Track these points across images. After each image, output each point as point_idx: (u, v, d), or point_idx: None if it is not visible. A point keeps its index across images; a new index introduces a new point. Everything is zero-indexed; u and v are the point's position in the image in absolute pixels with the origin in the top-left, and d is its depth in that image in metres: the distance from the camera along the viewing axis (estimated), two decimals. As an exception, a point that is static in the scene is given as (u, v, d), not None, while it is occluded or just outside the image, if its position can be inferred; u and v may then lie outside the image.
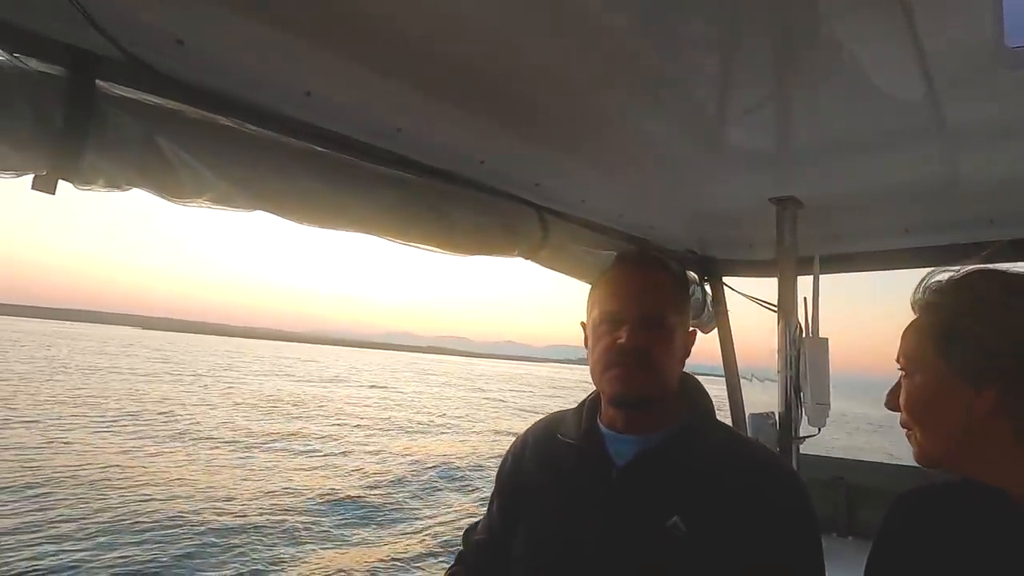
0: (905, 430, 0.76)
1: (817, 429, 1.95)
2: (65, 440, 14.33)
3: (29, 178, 0.72)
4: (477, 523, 1.19)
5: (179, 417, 19.54)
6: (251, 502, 10.56)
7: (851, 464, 2.17)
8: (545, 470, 1.02)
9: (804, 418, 1.96)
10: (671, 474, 0.90)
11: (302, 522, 9.77)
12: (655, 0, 0.90)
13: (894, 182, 1.73)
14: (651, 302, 0.93)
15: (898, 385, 0.77)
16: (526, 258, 1.45)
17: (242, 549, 8.39)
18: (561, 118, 1.36)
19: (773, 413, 2.01)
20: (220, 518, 9.54)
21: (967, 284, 0.73)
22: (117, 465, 12.41)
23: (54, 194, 0.74)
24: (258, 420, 20.52)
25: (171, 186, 0.80)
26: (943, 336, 0.71)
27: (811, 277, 2.01)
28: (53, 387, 23.71)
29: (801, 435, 1.98)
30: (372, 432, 20.08)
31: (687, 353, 0.99)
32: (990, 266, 0.74)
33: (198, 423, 18.76)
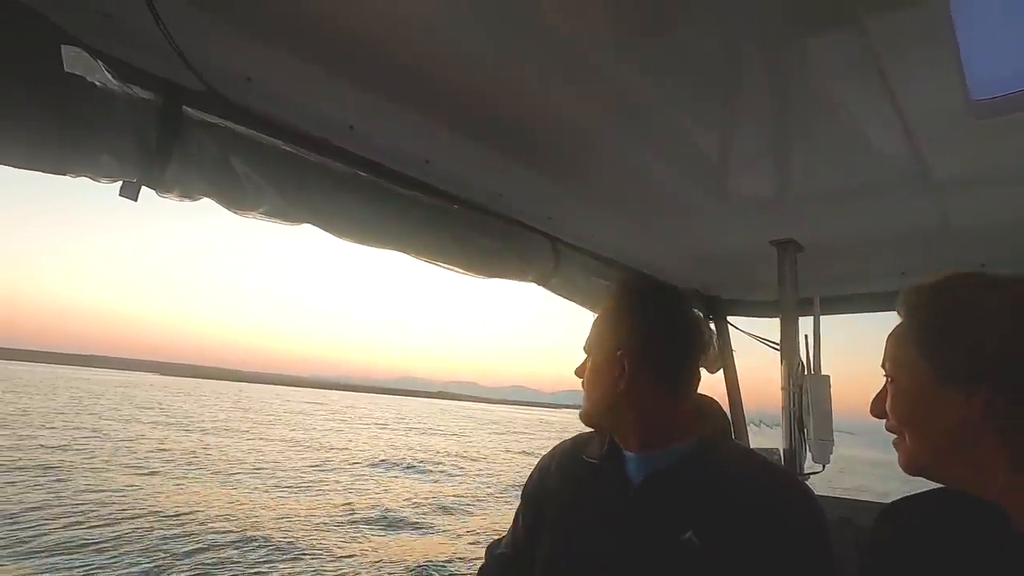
0: (893, 436, 0.75)
1: (821, 466, 1.96)
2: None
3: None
4: (501, 539, 1.20)
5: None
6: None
7: (859, 504, 2.15)
8: (567, 487, 1.05)
9: (808, 455, 1.99)
10: (686, 490, 0.91)
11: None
12: (664, 56, 1.01)
13: (887, 227, 1.82)
14: (588, 336, 1.05)
15: (883, 391, 0.76)
16: (538, 284, 1.55)
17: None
18: (574, 159, 1.48)
19: (778, 450, 2.04)
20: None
21: (947, 287, 0.71)
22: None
23: (136, 200, 0.86)
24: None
25: (236, 198, 0.93)
26: (927, 339, 0.70)
27: (812, 317, 2.08)
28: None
29: (805, 471, 2.00)
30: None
31: (617, 370, 0.97)
32: (964, 271, 0.72)
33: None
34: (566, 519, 1.02)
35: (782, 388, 2.07)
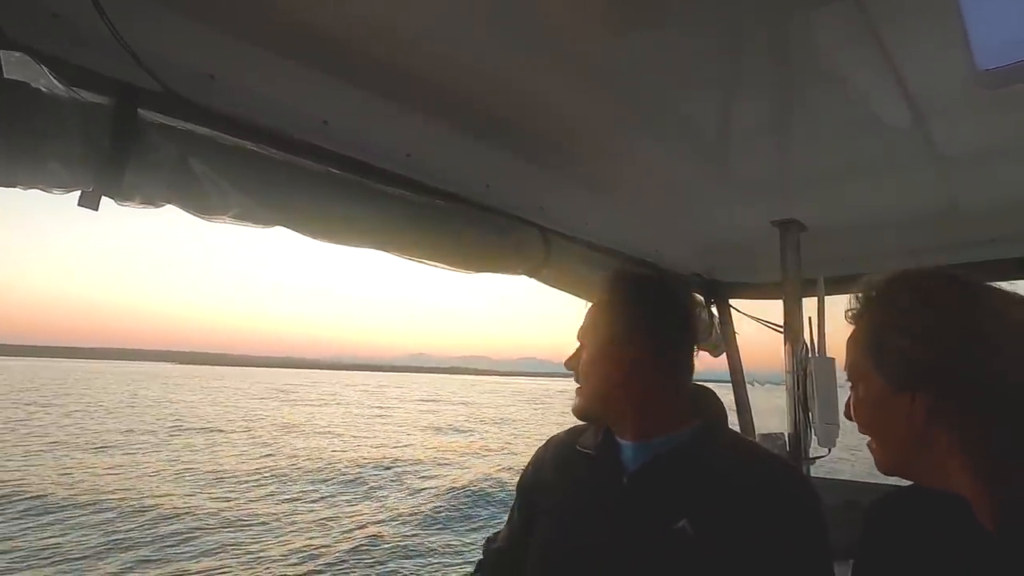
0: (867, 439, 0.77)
1: (827, 450, 1.93)
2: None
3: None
4: (498, 532, 1.21)
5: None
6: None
7: (865, 487, 2.13)
8: (562, 477, 1.06)
9: (814, 439, 1.96)
10: (680, 478, 0.92)
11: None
12: (657, 33, 0.96)
13: (893, 205, 1.76)
14: (583, 326, 1.03)
15: (850, 397, 0.79)
16: (529, 276, 1.51)
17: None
18: (564, 145, 1.43)
19: (783, 434, 2.01)
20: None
21: (884, 295, 0.75)
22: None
23: (97, 210, 0.83)
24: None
25: (200, 203, 0.89)
26: (871, 346, 0.73)
27: (816, 298, 2.04)
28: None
29: (811, 456, 1.97)
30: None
31: (619, 362, 0.97)
32: (909, 271, 0.75)
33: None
34: (561, 509, 1.02)
35: (786, 371, 2.03)
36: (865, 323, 0.76)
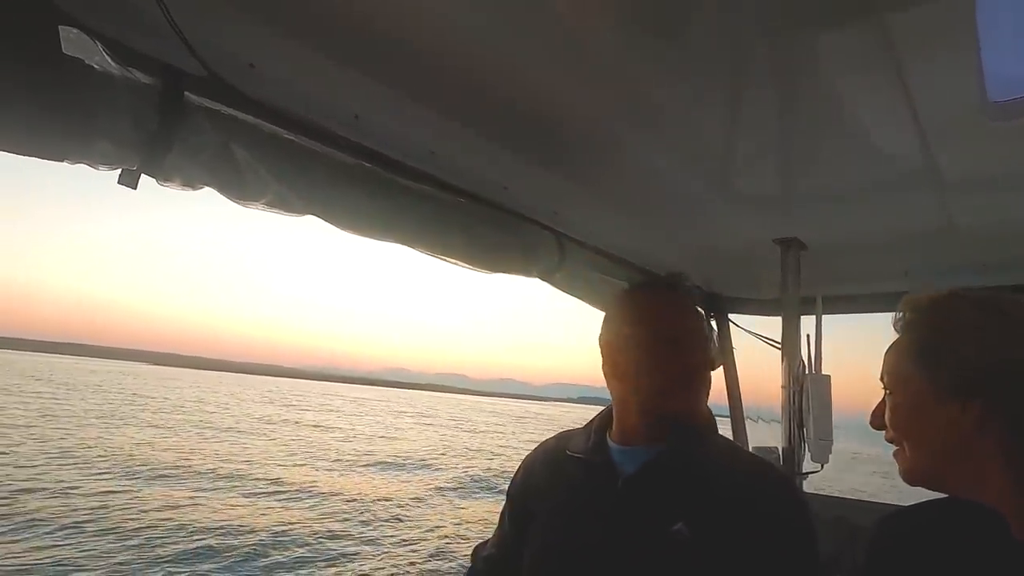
0: (893, 447, 0.77)
1: (820, 465, 1.97)
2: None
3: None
4: (487, 541, 1.21)
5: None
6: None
7: (855, 504, 2.17)
8: (554, 483, 1.06)
9: (807, 454, 1.99)
10: (675, 482, 0.93)
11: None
12: (672, 50, 0.99)
13: (893, 227, 1.81)
14: (686, 328, 1.03)
15: (882, 403, 0.79)
16: (542, 279, 1.54)
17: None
18: (579, 153, 1.46)
19: (777, 448, 2.04)
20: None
21: (944, 304, 0.75)
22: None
23: (135, 188, 0.84)
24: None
25: (238, 188, 0.91)
26: (924, 353, 0.73)
27: (814, 316, 2.08)
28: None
29: (804, 471, 2.00)
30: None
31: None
32: (963, 290, 0.75)
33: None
34: (554, 514, 1.03)
35: (782, 387, 2.06)
36: (919, 331, 0.76)
